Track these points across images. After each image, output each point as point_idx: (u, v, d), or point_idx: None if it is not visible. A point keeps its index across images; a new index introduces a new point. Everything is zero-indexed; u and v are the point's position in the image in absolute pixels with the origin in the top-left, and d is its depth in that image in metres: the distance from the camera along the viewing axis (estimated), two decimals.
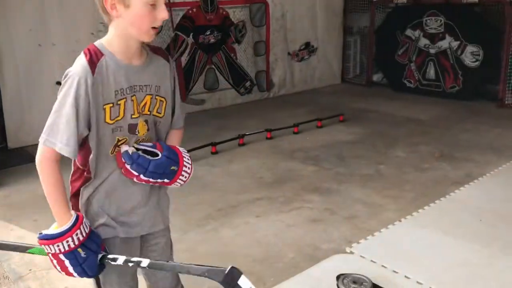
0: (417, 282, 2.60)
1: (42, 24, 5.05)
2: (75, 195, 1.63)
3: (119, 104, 1.53)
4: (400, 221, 3.34)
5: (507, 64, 6.34)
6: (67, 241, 1.48)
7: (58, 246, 1.48)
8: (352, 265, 2.77)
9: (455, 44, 6.82)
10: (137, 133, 1.59)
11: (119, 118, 1.54)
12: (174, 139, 1.75)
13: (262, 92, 7.27)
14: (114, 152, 1.58)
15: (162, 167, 1.59)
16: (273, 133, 5.30)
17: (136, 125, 1.58)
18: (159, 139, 1.69)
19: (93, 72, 1.47)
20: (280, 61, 7.35)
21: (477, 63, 6.66)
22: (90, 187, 1.60)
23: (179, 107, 1.74)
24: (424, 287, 2.57)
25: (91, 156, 1.55)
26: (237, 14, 6.73)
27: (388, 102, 6.86)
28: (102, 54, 1.51)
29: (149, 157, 1.58)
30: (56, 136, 1.47)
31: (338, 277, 2.57)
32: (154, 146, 1.61)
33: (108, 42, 1.54)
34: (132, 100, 1.56)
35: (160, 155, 1.59)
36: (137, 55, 1.57)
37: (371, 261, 2.83)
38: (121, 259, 1.51)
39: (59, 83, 5.64)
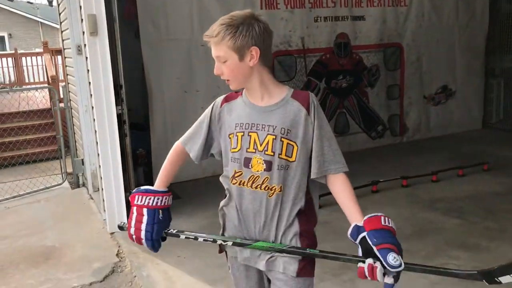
0: None
1: (188, 73, 5.49)
2: None
3: (237, 136, 1.69)
4: None
5: None
6: (159, 198, 1.77)
7: (150, 199, 1.77)
8: None
9: None
10: (250, 167, 1.67)
11: (236, 149, 1.69)
12: (342, 190, 1.67)
13: (394, 136, 7.02)
14: (232, 183, 1.72)
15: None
16: (409, 180, 5.04)
17: (250, 159, 1.67)
18: (285, 184, 1.65)
19: (221, 104, 1.77)
20: (414, 104, 7.07)
21: None
22: (223, 201, 1.82)
23: (319, 155, 1.66)
24: None
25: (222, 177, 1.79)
26: (370, 58, 6.67)
27: None
28: (240, 95, 1.75)
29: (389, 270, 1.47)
30: (188, 140, 1.84)
31: None
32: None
33: None
34: (250, 136, 1.67)
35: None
36: (261, 96, 1.69)
37: None
38: (182, 236, 1.79)
39: None
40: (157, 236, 1.76)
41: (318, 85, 6.38)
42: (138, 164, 5.33)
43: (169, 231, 1.80)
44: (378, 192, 4.87)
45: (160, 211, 1.77)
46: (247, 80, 1.67)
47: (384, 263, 1.48)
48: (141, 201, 1.77)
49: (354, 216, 1.62)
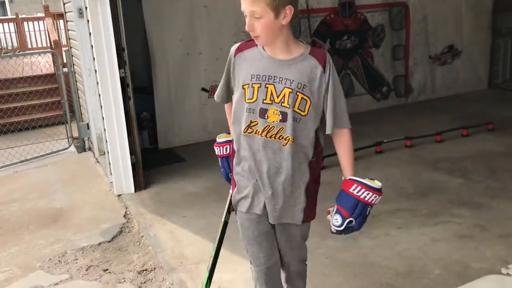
0: None
1: (191, 35, 5.43)
2: None
3: (253, 87, 1.76)
4: None
5: None
6: (218, 149, 2.13)
7: (216, 149, 2.15)
8: None
9: None
10: (266, 117, 1.76)
11: (252, 100, 1.77)
12: (340, 144, 1.89)
13: (399, 97, 6.99)
14: (247, 132, 1.81)
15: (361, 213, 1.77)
16: (413, 141, 5.05)
17: (266, 110, 1.76)
18: (296, 135, 1.79)
19: (235, 54, 1.83)
20: (420, 65, 7.00)
21: None
22: (235, 157, 1.93)
23: (333, 113, 1.81)
24: None
25: (232, 128, 1.91)
26: (375, 18, 6.56)
27: None
28: (255, 45, 1.80)
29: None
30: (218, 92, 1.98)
31: None
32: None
33: None
34: (267, 87, 1.75)
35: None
36: (281, 51, 1.76)
37: None
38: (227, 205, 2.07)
39: (204, 89, 6.05)
40: (224, 179, 2.16)
41: (322, 46, 6.30)
42: (143, 128, 5.36)
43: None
44: (382, 153, 4.90)
45: (219, 159, 2.14)
46: (276, 37, 1.73)
47: (331, 218, 1.81)
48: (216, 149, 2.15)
49: (344, 171, 1.88)
